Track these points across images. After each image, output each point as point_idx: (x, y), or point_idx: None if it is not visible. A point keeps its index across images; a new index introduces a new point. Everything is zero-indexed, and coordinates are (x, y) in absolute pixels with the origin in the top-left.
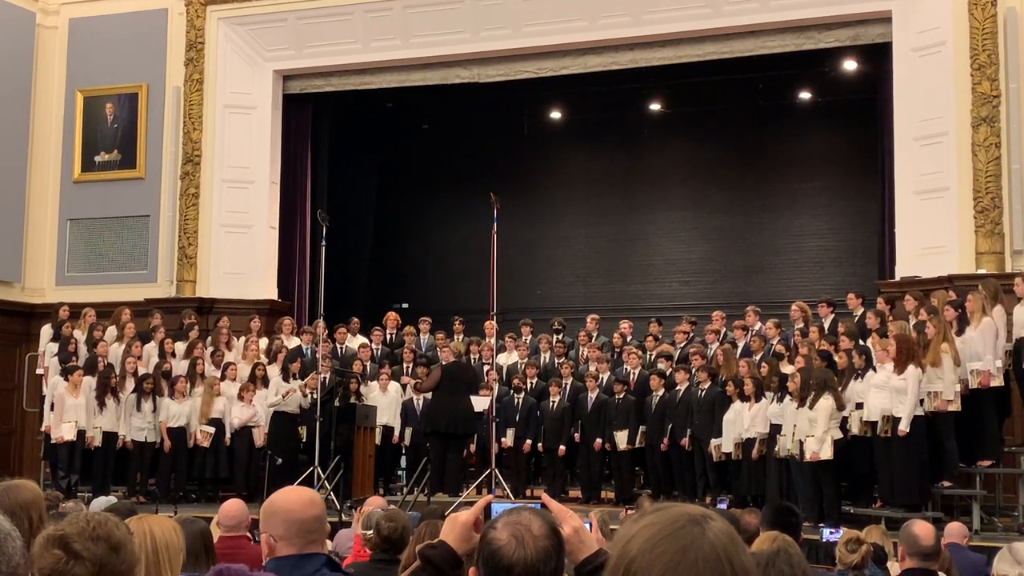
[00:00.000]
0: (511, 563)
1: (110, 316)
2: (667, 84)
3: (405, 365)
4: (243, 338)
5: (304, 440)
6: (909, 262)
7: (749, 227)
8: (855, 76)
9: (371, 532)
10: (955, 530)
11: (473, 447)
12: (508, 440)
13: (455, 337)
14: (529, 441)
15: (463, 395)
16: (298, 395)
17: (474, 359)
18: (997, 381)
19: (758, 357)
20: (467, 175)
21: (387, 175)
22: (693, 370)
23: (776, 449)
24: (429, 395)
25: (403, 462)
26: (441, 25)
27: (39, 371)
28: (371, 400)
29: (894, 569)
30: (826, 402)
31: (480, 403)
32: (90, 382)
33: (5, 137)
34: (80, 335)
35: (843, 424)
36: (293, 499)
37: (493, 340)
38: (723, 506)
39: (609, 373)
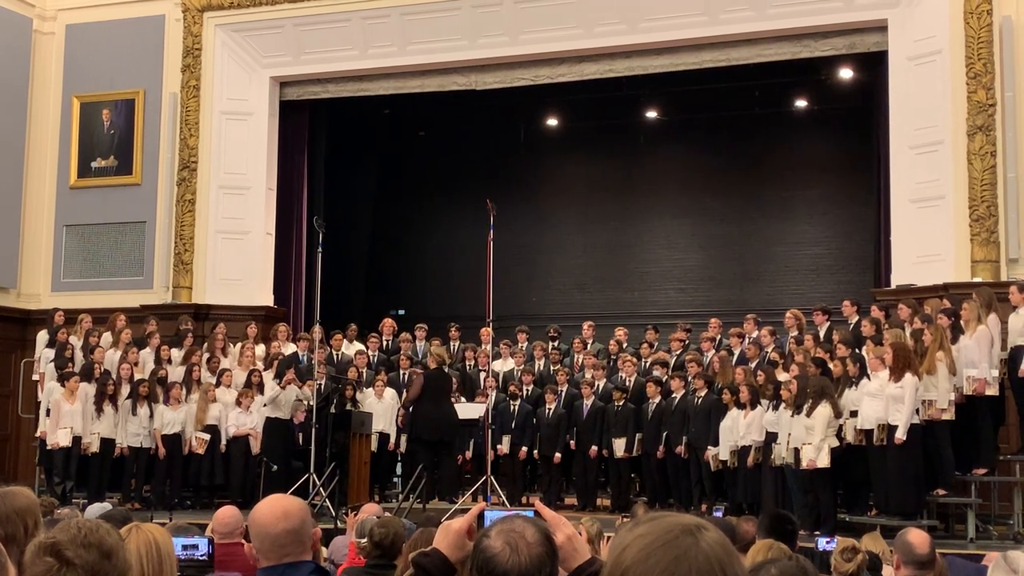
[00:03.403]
0: (505, 570)
1: (106, 322)
2: (663, 92)
3: (401, 372)
4: (239, 344)
5: (299, 447)
6: (904, 270)
7: (745, 235)
8: (851, 84)
9: (365, 540)
10: (992, 558)
11: (469, 454)
12: (504, 447)
13: (450, 344)
14: (525, 448)
15: (445, 402)
16: (293, 389)
17: (470, 366)
18: (992, 390)
19: (754, 365)
20: (464, 182)
21: (384, 182)
22: (689, 378)
23: (772, 457)
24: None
25: (399, 469)
26: (438, 32)
27: (35, 377)
28: (367, 407)
29: None
30: (824, 410)
31: (475, 410)
32: (87, 388)
33: (1, 143)
34: (76, 341)
35: (839, 432)
36: (265, 513)
37: (489, 347)
38: (719, 514)
39: (605, 380)
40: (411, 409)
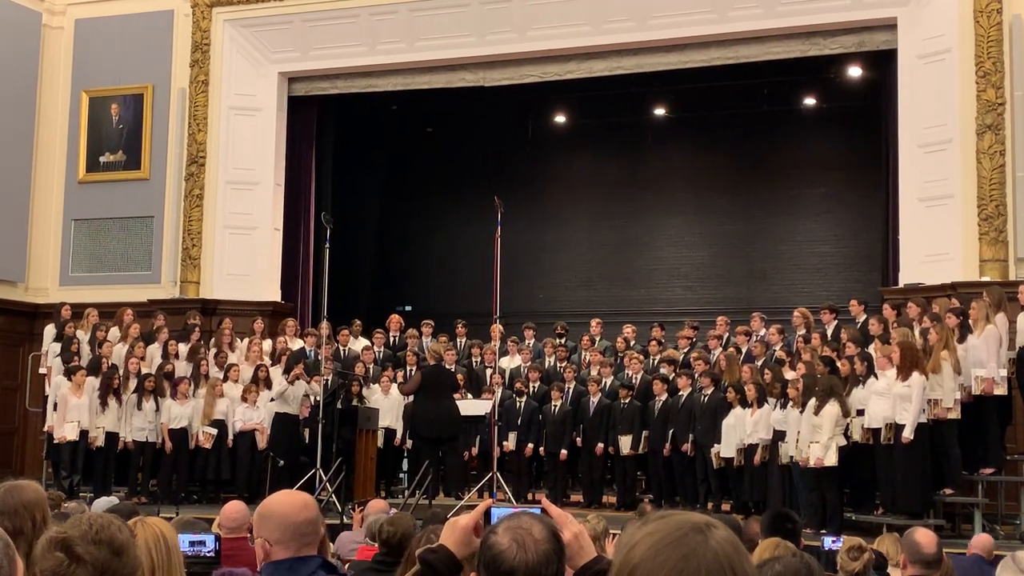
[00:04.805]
0: (512, 567)
1: (113, 317)
2: (672, 89)
3: (408, 368)
4: (246, 339)
5: (306, 442)
6: (912, 269)
7: (752, 233)
8: (860, 82)
9: (376, 543)
10: (980, 543)
11: (475, 450)
12: (510, 444)
13: (457, 340)
14: (531, 445)
15: (445, 398)
16: (301, 385)
17: (476, 362)
18: (1000, 389)
19: (760, 363)
20: (471, 178)
21: (391, 178)
22: (696, 375)
23: (779, 455)
24: (411, 399)
25: (405, 464)
26: (447, 28)
27: (42, 371)
28: (373, 402)
29: None
30: (832, 408)
31: (481, 406)
32: (93, 382)
33: (11, 137)
34: (83, 335)
35: (845, 431)
36: (287, 503)
37: (496, 343)
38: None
39: (612, 377)
40: (412, 407)
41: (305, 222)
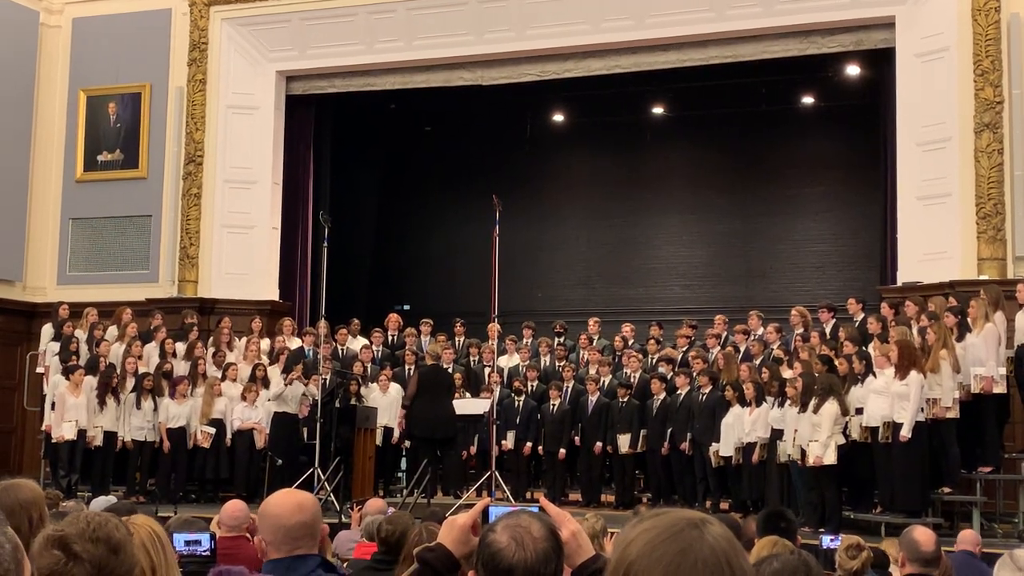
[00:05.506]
0: (511, 565)
1: (111, 316)
2: (670, 88)
3: (406, 367)
4: (244, 339)
5: (305, 441)
6: (911, 267)
7: (750, 231)
8: (858, 81)
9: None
10: (967, 538)
11: (473, 449)
12: (508, 443)
13: (455, 340)
14: (529, 444)
15: (442, 398)
16: (299, 386)
17: (474, 361)
18: (999, 388)
19: (758, 361)
20: (469, 177)
21: (389, 177)
22: (694, 374)
23: (777, 454)
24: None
25: (403, 463)
26: (445, 27)
27: (40, 370)
28: (371, 401)
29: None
30: (831, 407)
31: (480, 406)
32: (91, 382)
33: (8, 136)
34: (81, 334)
35: (844, 429)
36: (280, 505)
37: (495, 342)
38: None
39: (610, 376)
40: (410, 407)
41: (303, 221)
